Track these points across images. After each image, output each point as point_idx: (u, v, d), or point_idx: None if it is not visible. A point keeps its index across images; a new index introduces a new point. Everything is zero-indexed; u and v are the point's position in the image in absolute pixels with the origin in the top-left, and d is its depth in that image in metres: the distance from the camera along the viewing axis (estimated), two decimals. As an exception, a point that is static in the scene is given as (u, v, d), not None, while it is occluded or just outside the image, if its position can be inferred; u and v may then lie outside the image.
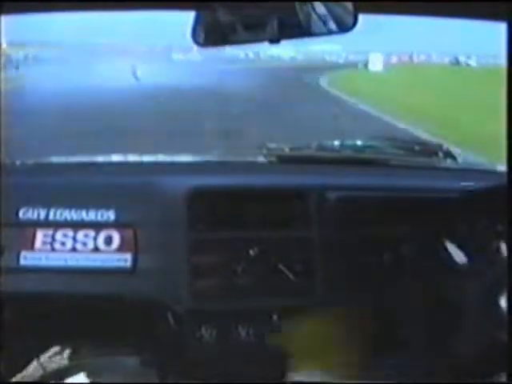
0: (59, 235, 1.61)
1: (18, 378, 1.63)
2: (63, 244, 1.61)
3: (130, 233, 1.62)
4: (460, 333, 1.55)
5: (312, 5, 1.05)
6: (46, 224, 1.62)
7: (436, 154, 1.92)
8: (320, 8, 1.05)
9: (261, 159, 1.85)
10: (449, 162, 1.91)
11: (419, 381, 1.61)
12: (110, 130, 7.59)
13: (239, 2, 1.06)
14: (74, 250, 1.61)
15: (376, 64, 32.34)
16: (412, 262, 1.64)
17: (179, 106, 10.63)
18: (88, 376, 1.64)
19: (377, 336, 1.64)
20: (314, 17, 1.05)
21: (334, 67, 31.28)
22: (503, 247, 1.41)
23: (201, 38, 1.08)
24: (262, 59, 40.08)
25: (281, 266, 1.63)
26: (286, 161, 1.85)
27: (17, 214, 1.61)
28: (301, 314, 1.67)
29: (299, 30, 1.06)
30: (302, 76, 23.19)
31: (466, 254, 1.52)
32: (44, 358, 1.68)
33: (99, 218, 1.62)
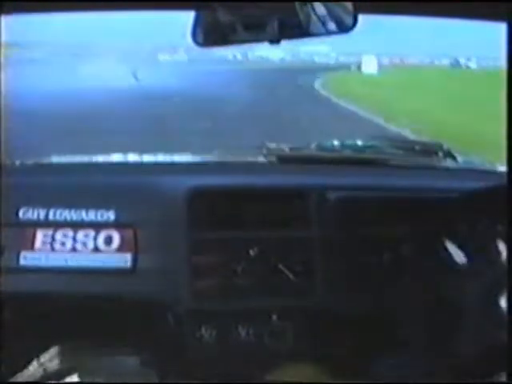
0: (59, 235, 1.61)
1: (17, 378, 1.63)
2: (63, 244, 1.61)
3: (129, 233, 1.62)
4: (460, 333, 1.55)
5: (312, 5, 1.05)
6: (45, 224, 1.62)
7: (436, 153, 1.92)
8: (320, 8, 1.05)
9: (261, 159, 1.85)
10: (449, 162, 1.91)
11: (419, 381, 1.61)
12: (90, 131, 7.58)
13: (239, 1, 1.06)
14: (73, 250, 1.61)
15: (370, 66, 31.39)
16: (412, 261, 1.64)
17: (165, 108, 10.47)
18: (88, 376, 1.64)
19: (377, 336, 1.64)
20: (314, 17, 1.05)
21: (326, 69, 30.34)
22: (503, 247, 1.41)
23: (200, 38, 1.08)
24: (251, 60, 39.08)
25: (281, 266, 1.63)
26: (285, 161, 1.85)
27: (17, 214, 1.61)
28: (301, 314, 1.67)
29: (299, 30, 1.06)
30: (295, 78, 22.68)
31: (466, 254, 1.52)
32: (44, 358, 1.68)
33: (99, 218, 1.62)
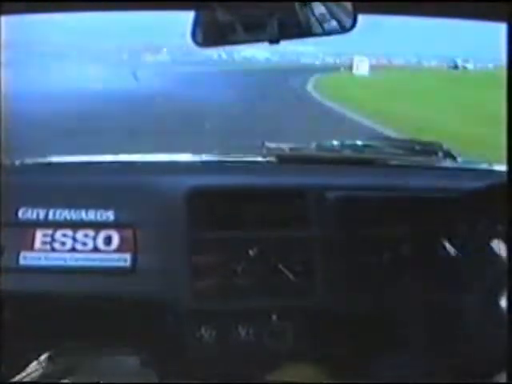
0: (59, 235, 1.61)
1: (17, 378, 1.63)
2: (63, 244, 1.61)
3: (129, 233, 1.62)
4: (460, 333, 1.55)
5: (311, 5, 1.05)
6: (45, 224, 1.62)
7: (436, 153, 1.92)
8: (319, 8, 1.05)
9: (260, 159, 1.85)
10: (449, 162, 1.91)
11: (419, 381, 1.61)
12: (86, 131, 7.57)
13: (239, 1, 1.06)
14: (73, 249, 1.61)
15: (361, 68, 30.22)
16: (412, 261, 1.64)
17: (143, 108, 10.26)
18: (88, 376, 1.64)
19: (377, 336, 1.64)
20: (314, 17, 1.05)
21: (316, 70, 29.42)
22: (503, 247, 1.41)
23: (200, 38, 1.08)
24: (237, 61, 37.85)
25: (281, 266, 1.63)
26: (285, 161, 1.85)
27: (16, 213, 1.61)
28: (301, 314, 1.67)
29: (298, 30, 1.06)
30: (285, 79, 22.00)
31: (466, 253, 1.52)
32: (44, 357, 1.68)
33: (99, 217, 1.62)
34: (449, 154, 1.92)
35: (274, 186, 1.72)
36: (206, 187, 1.69)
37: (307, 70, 28.70)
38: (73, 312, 1.63)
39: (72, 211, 1.62)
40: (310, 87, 20.22)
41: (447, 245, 1.54)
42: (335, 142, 1.95)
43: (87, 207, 1.62)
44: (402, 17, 1.25)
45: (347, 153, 1.91)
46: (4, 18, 1.17)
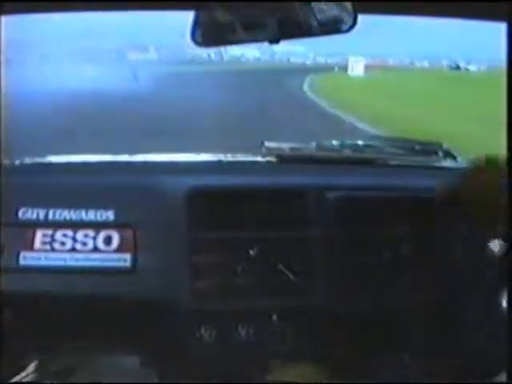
0: (59, 235, 1.61)
1: (17, 378, 1.63)
2: (63, 244, 1.61)
3: (129, 233, 1.62)
4: (460, 333, 1.55)
5: (311, 5, 1.05)
6: (45, 224, 1.62)
7: (436, 153, 1.92)
8: (319, 8, 1.05)
9: (260, 159, 1.85)
10: (449, 162, 1.91)
11: (419, 381, 1.61)
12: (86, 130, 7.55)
13: (239, 1, 1.06)
14: (73, 249, 1.61)
15: (356, 68, 29.35)
16: (412, 261, 1.64)
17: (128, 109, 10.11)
18: (88, 376, 1.64)
19: (377, 336, 1.64)
20: (313, 17, 1.05)
21: (308, 70, 28.64)
22: (503, 247, 1.41)
23: (200, 38, 1.08)
24: (226, 60, 37.20)
25: (281, 266, 1.63)
26: (285, 161, 1.85)
27: (16, 213, 1.61)
28: (301, 314, 1.67)
29: (298, 30, 1.06)
30: (279, 80, 21.30)
31: (466, 253, 1.52)
32: (44, 358, 1.68)
33: (99, 218, 1.62)
34: (449, 154, 1.92)
35: (274, 185, 1.72)
36: (206, 187, 1.69)
37: (301, 70, 28.26)
38: (73, 312, 1.63)
39: (72, 211, 1.62)
40: (306, 88, 19.80)
41: (447, 245, 1.54)
42: (335, 142, 1.95)
43: (87, 207, 1.62)
44: (401, 17, 1.25)
45: (347, 153, 1.91)
46: (4, 18, 1.17)
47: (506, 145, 1.18)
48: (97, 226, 1.62)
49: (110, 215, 1.62)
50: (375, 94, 17.58)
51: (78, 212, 1.62)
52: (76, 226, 1.62)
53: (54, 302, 1.63)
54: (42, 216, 1.62)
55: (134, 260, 1.61)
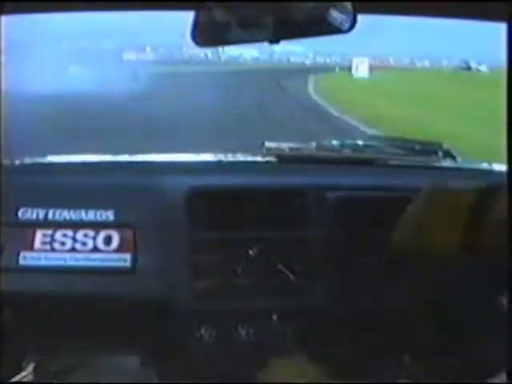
0: (59, 235, 1.61)
1: (18, 378, 1.63)
2: (63, 244, 1.61)
3: (129, 233, 1.62)
4: (460, 333, 1.55)
5: (311, 5, 1.05)
6: (45, 224, 1.62)
7: (436, 153, 1.92)
8: (319, 8, 1.05)
9: (260, 159, 1.85)
10: (448, 162, 1.91)
11: (419, 381, 1.61)
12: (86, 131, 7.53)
13: (239, 1, 1.06)
14: (73, 249, 1.61)
15: (361, 69, 28.38)
16: (412, 261, 1.64)
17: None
18: (88, 376, 1.64)
19: (377, 336, 1.64)
20: (313, 17, 1.05)
21: (310, 70, 28.02)
22: (503, 247, 1.41)
23: (200, 38, 1.08)
24: (223, 60, 36.68)
25: (281, 266, 1.63)
26: (285, 161, 1.85)
27: (16, 213, 1.61)
28: (301, 314, 1.67)
29: (298, 30, 1.06)
30: (280, 81, 20.73)
31: (466, 253, 1.52)
32: (44, 358, 1.68)
33: (98, 217, 1.62)
34: (449, 154, 1.92)
35: (274, 185, 1.72)
36: (206, 187, 1.69)
37: (302, 70, 27.78)
38: (73, 312, 1.63)
39: (72, 211, 1.62)
40: (311, 90, 19.10)
41: (447, 245, 1.54)
42: (335, 142, 1.95)
43: (87, 207, 1.62)
44: (401, 16, 1.25)
45: (347, 153, 1.91)
46: (4, 18, 1.17)
47: (506, 144, 1.18)
48: (97, 225, 1.62)
49: (109, 215, 1.62)
50: (383, 96, 16.88)
51: (77, 212, 1.62)
52: (76, 225, 1.62)
53: (54, 302, 1.63)
54: (41, 216, 1.62)
55: (134, 260, 1.61)
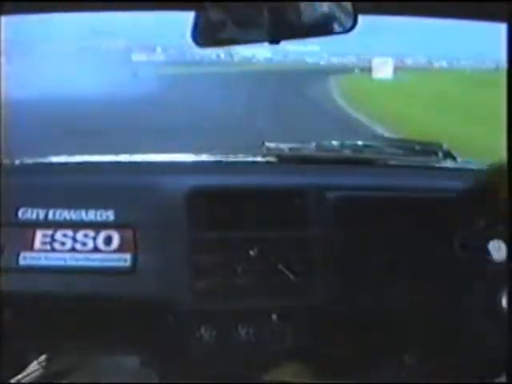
0: (59, 235, 1.61)
1: (17, 378, 1.64)
2: (63, 244, 1.61)
3: (129, 233, 1.62)
4: (460, 333, 1.55)
5: (312, 5, 1.05)
6: (45, 224, 1.62)
7: (436, 153, 1.92)
8: (320, 8, 1.05)
9: (260, 159, 1.85)
10: (448, 162, 1.91)
11: (419, 381, 1.61)
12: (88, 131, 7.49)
13: (239, 1, 1.06)
14: (73, 249, 1.61)
15: (383, 70, 25.75)
16: (412, 261, 1.64)
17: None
18: (88, 376, 1.64)
19: (376, 336, 1.64)
20: (314, 17, 1.05)
21: (327, 72, 26.27)
22: (503, 247, 1.42)
23: (200, 39, 1.08)
24: (236, 61, 35.18)
25: (281, 266, 1.63)
26: (285, 161, 1.85)
27: (16, 213, 1.62)
28: (301, 314, 1.67)
29: (299, 30, 1.06)
30: (299, 83, 19.54)
31: (466, 253, 1.52)
32: (44, 358, 1.68)
33: (99, 217, 1.62)
34: (449, 154, 1.92)
35: (274, 185, 1.72)
36: (206, 187, 1.69)
37: (320, 72, 26.21)
38: (73, 312, 1.63)
39: (72, 211, 1.62)
40: (335, 94, 17.15)
41: (447, 245, 1.54)
42: (335, 142, 1.95)
43: (87, 207, 1.62)
44: (401, 17, 1.25)
45: (347, 153, 1.91)
46: (4, 18, 1.17)
47: (506, 145, 1.18)
48: (97, 225, 1.62)
49: (110, 215, 1.62)
50: (411, 101, 14.88)
51: (78, 212, 1.62)
52: (76, 225, 1.62)
53: (54, 302, 1.63)
54: (41, 216, 1.62)
55: (134, 260, 1.61)
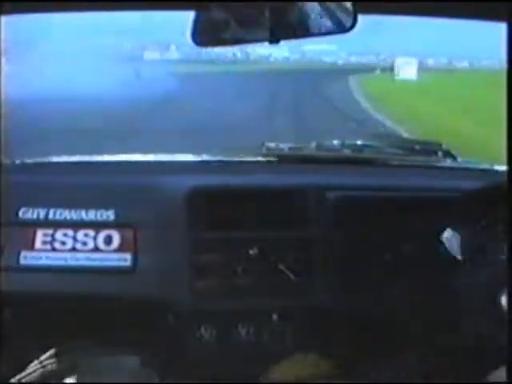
0: (59, 235, 1.62)
1: (17, 378, 1.63)
2: (63, 244, 1.61)
3: (129, 232, 1.62)
4: (460, 332, 1.55)
5: (312, 5, 1.05)
6: (46, 224, 1.62)
7: (435, 153, 1.92)
8: (320, 8, 1.05)
9: (260, 159, 1.85)
10: (448, 162, 1.91)
11: (419, 381, 1.61)
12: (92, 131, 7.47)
13: (239, 1, 1.06)
14: (73, 249, 1.61)
15: (408, 70, 24.45)
16: (412, 261, 1.64)
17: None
18: (88, 376, 1.64)
19: (377, 336, 1.64)
20: (314, 17, 1.05)
21: (348, 72, 25.21)
22: (503, 247, 1.41)
23: (200, 38, 1.08)
24: (252, 59, 34.11)
25: (281, 266, 1.63)
26: (285, 160, 1.85)
27: (17, 213, 1.62)
28: (301, 314, 1.67)
29: (299, 30, 1.06)
30: (320, 82, 18.79)
31: (466, 253, 1.52)
32: (44, 358, 1.68)
33: (99, 217, 1.62)
34: (449, 154, 1.92)
35: (274, 185, 1.72)
36: (206, 187, 1.69)
37: (340, 72, 25.42)
38: (73, 312, 1.63)
39: (72, 211, 1.62)
40: (358, 95, 16.27)
41: (447, 244, 1.54)
42: (335, 142, 1.95)
43: (87, 207, 1.62)
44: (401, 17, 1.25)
45: (347, 153, 1.91)
46: (4, 18, 1.17)
47: (506, 144, 1.18)
48: (97, 225, 1.62)
49: (110, 215, 1.62)
50: (440, 103, 14.16)
51: (78, 212, 1.62)
52: (76, 225, 1.62)
53: (55, 302, 1.63)
54: (42, 216, 1.62)
55: (135, 260, 1.61)
